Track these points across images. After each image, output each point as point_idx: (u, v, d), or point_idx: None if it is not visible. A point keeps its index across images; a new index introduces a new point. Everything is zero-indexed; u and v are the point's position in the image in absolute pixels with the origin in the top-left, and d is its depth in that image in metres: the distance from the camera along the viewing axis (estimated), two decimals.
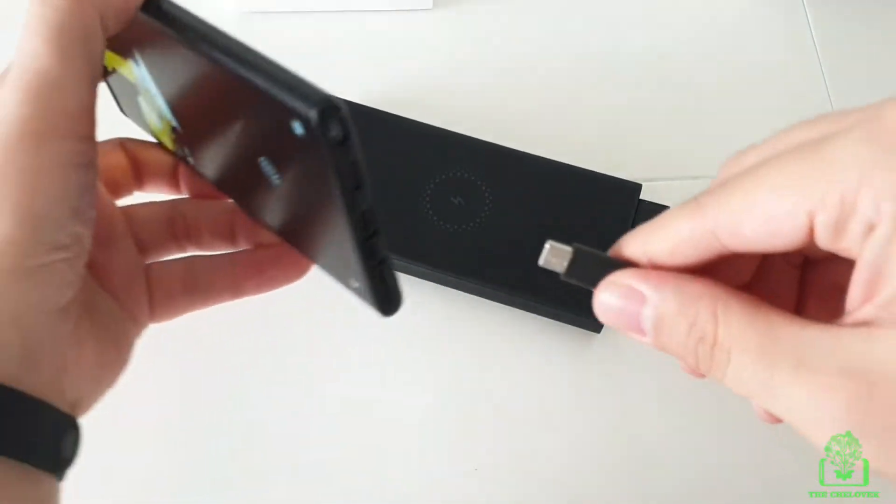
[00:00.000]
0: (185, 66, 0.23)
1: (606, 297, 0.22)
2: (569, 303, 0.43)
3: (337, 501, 0.41)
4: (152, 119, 0.29)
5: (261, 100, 0.20)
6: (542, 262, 0.23)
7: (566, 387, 0.44)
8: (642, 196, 0.44)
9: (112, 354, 0.27)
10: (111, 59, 0.26)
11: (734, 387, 0.20)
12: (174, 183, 0.31)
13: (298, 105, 0.19)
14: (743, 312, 0.20)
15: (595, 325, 0.44)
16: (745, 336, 0.20)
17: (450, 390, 0.44)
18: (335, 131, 0.19)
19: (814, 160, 0.19)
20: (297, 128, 0.20)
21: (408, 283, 0.45)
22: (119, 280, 0.29)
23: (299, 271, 0.30)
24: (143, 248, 0.30)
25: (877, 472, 0.19)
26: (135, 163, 0.30)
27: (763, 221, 0.19)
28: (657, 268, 0.22)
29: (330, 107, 0.19)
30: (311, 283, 0.30)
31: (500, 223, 0.45)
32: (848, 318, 0.19)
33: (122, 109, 0.30)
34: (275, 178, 0.24)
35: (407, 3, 0.54)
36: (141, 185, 0.31)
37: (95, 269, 0.27)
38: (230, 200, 0.30)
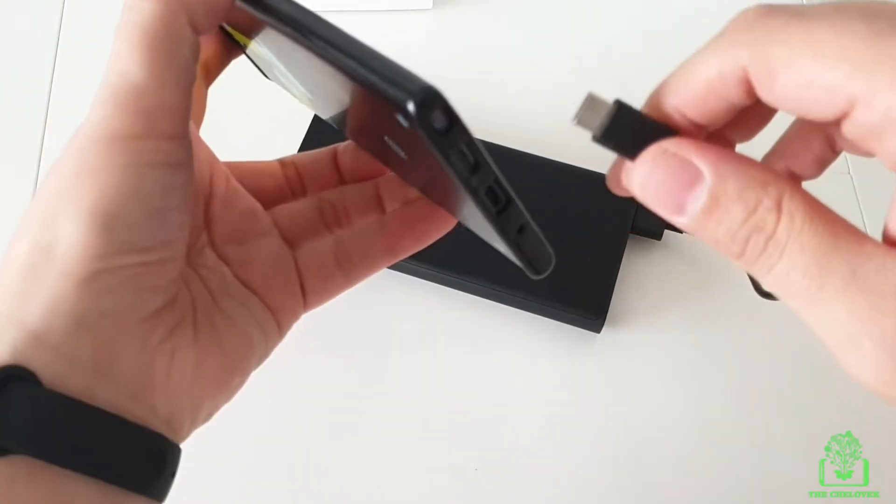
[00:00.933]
0: (294, 51, 0.22)
1: (651, 167, 0.20)
2: (569, 302, 0.43)
3: (336, 501, 0.41)
4: (295, 85, 0.28)
5: (368, 89, 0.19)
6: (575, 118, 0.20)
7: (566, 387, 0.44)
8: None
9: (233, 363, 0.26)
10: (240, 36, 0.26)
11: (775, 286, 0.19)
12: (333, 178, 0.31)
13: (398, 96, 0.18)
14: (807, 209, 0.18)
15: (595, 325, 0.44)
16: (804, 234, 0.18)
17: (450, 390, 0.44)
18: (438, 122, 0.18)
19: (878, 45, 0.17)
20: (402, 119, 0.18)
21: (408, 283, 0.45)
22: (263, 275, 0.28)
23: (449, 221, 0.29)
24: (295, 243, 0.29)
25: None
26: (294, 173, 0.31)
27: (801, 85, 0.18)
28: (698, 129, 0.20)
29: (429, 97, 0.18)
30: None
31: None
32: None
33: (265, 75, 0.30)
34: (402, 154, 0.23)
35: (407, 3, 0.54)
36: (304, 192, 0.31)
37: (236, 269, 0.27)
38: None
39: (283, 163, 0.31)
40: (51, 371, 0.21)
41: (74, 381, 0.21)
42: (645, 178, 0.20)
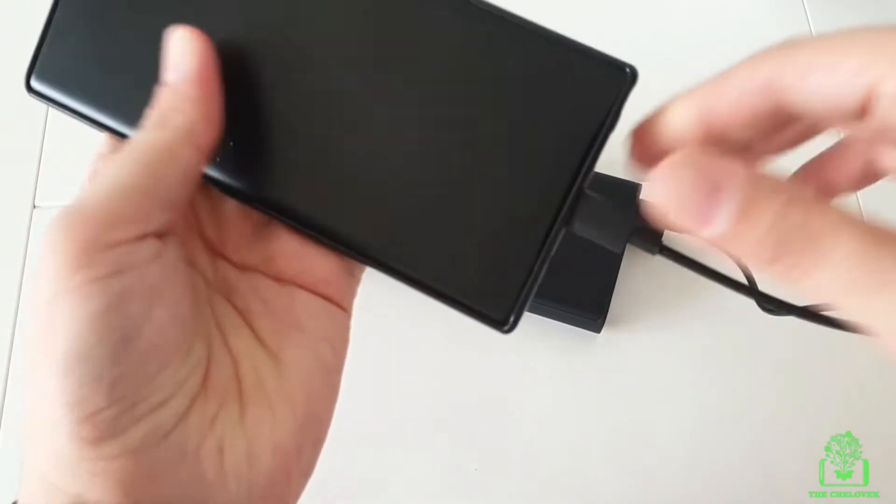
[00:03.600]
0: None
1: (675, 178, 0.18)
2: (569, 302, 0.43)
3: (335, 501, 0.41)
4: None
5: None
6: None
7: (566, 387, 0.44)
8: (641, 196, 0.44)
9: (301, 412, 0.25)
10: None
11: (823, 285, 0.17)
12: None
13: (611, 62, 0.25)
14: (842, 210, 0.17)
15: (595, 325, 0.44)
16: (848, 226, 0.17)
17: (449, 390, 0.44)
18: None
19: (890, 34, 0.19)
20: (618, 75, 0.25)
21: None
22: (293, 251, 0.25)
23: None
24: None
25: None
26: None
27: (829, 75, 0.19)
28: (714, 137, 0.20)
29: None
30: None
31: None
32: None
33: None
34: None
35: None
36: None
37: (265, 268, 0.25)
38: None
39: None
40: None
41: None
42: (667, 187, 0.18)
